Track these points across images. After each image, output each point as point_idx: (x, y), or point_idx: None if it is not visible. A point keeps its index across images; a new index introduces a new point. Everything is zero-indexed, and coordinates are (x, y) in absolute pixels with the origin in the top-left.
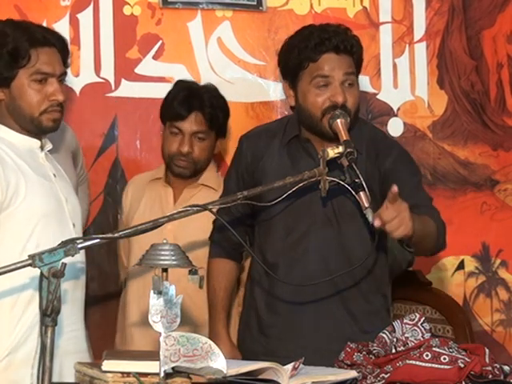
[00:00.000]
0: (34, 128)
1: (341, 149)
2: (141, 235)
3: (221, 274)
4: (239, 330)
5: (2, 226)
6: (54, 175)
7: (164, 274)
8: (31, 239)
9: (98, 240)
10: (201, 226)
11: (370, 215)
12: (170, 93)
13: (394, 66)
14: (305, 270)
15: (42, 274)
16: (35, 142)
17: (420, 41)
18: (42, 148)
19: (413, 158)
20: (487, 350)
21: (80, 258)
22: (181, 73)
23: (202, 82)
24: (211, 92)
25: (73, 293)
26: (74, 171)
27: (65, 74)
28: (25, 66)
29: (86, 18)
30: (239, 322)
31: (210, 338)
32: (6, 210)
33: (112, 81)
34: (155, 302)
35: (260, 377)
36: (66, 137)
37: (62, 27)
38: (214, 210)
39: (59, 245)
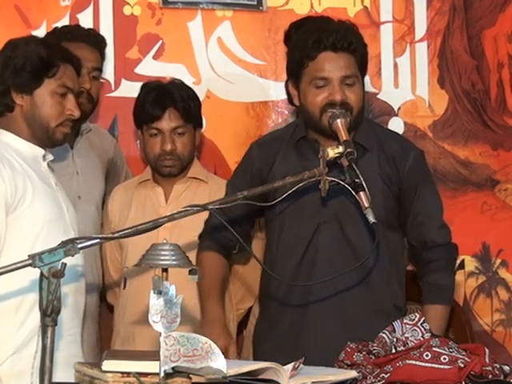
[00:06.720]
0: (45, 138)
1: (341, 149)
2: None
3: (215, 265)
4: (254, 330)
5: (9, 230)
6: (55, 184)
7: (164, 273)
8: (37, 243)
9: (98, 240)
10: (195, 227)
11: (370, 215)
12: (139, 97)
13: (395, 65)
14: (312, 270)
15: (42, 274)
16: (39, 151)
17: (421, 40)
18: (43, 158)
19: (424, 157)
20: (487, 350)
21: (80, 261)
22: (181, 73)
23: (203, 82)
24: (179, 86)
25: (73, 296)
26: (102, 180)
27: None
28: (52, 76)
29: (86, 18)
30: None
31: (205, 324)
32: (13, 213)
33: (112, 81)
34: (155, 302)
35: (260, 377)
36: (104, 144)
37: None
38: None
39: (59, 245)
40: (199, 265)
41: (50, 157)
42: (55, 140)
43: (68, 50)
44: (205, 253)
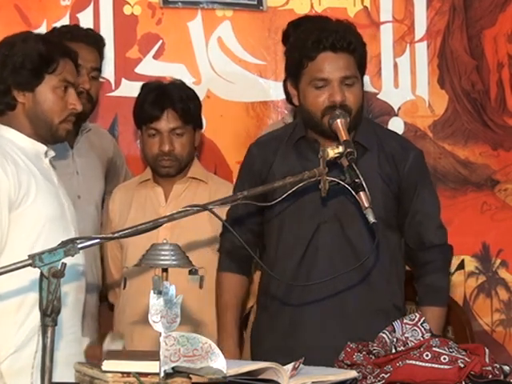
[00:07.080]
0: (48, 135)
1: (341, 149)
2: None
3: (232, 290)
4: (252, 329)
5: (11, 226)
6: (57, 181)
7: (164, 273)
8: (39, 241)
9: (98, 240)
10: (195, 227)
11: (370, 215)
12: (139, 97)
13: (395, 65)
14: (312, 269)
15: (42, 274)
16: (41, 147)
17: (421, 40)
18: (45, 154)
19: (424, 156)
20: (487, 350)
21: (81, 260)
22: (181, 72)
23: (203, 82)
24: (179, 87)
25: (73, 295)
26: (102, 179)
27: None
28: (53, 72)
29: (86, 17)
30: (253, 321)
31: None
32: (16, 209)
33: (112, 80)
34: (155, 302)
35: (260, 377)
36: (103, 144)
37: None
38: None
39: (59, 245)
40: (218, 285)
41: (52, 153)
42: (58, 136)
43: (65, 45)
44: (224, 274)
